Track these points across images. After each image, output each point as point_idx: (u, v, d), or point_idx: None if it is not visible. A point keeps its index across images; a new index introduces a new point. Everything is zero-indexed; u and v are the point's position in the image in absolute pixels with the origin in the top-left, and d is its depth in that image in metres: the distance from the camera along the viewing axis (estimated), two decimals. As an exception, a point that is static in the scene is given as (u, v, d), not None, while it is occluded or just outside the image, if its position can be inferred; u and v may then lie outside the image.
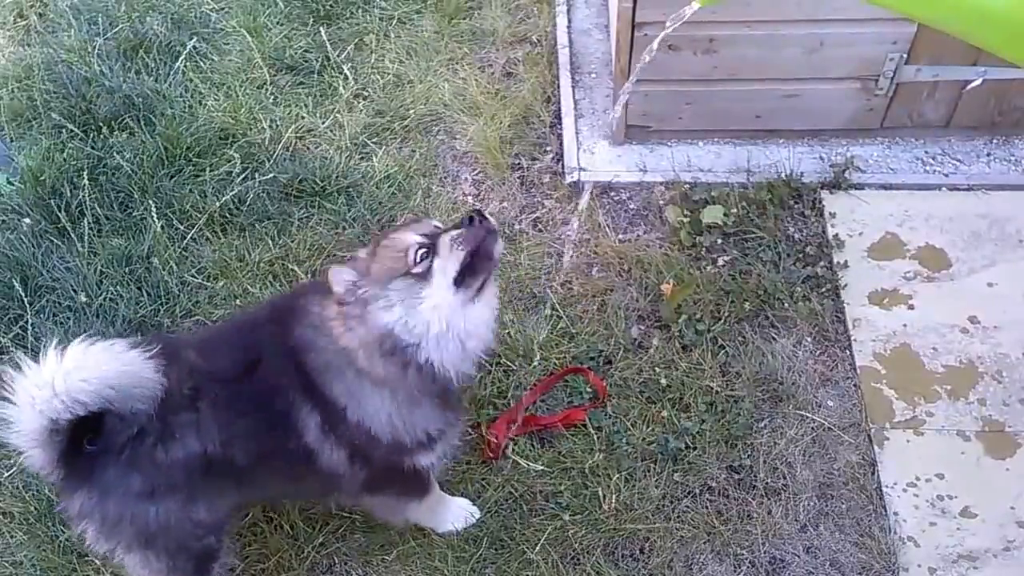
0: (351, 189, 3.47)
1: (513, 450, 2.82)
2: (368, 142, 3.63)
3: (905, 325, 3.07)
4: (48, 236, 3.32)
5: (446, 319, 2.08)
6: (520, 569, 2.63)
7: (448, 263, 2.08)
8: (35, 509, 2.72)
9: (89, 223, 3.32)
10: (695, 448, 2.82)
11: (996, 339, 3.02)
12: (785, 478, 2.77)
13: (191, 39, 3.93)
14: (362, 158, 3.59)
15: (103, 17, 4.04)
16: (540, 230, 3.37)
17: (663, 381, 2.94)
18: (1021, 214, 3.31)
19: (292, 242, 3.31)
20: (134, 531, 2.18)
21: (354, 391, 2.14)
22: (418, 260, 2.07)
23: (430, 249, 2.09)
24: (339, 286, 2.08)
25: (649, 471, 2.78)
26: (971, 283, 3.16)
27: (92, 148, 3.55)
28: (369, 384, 2.14)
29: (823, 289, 3.14)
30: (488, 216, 2.13)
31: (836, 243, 3.26)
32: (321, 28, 3.96)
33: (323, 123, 3.68)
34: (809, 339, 3.04)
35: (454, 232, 2.11)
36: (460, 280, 2.08)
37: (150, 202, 3.37)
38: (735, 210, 3.31)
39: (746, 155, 3.50)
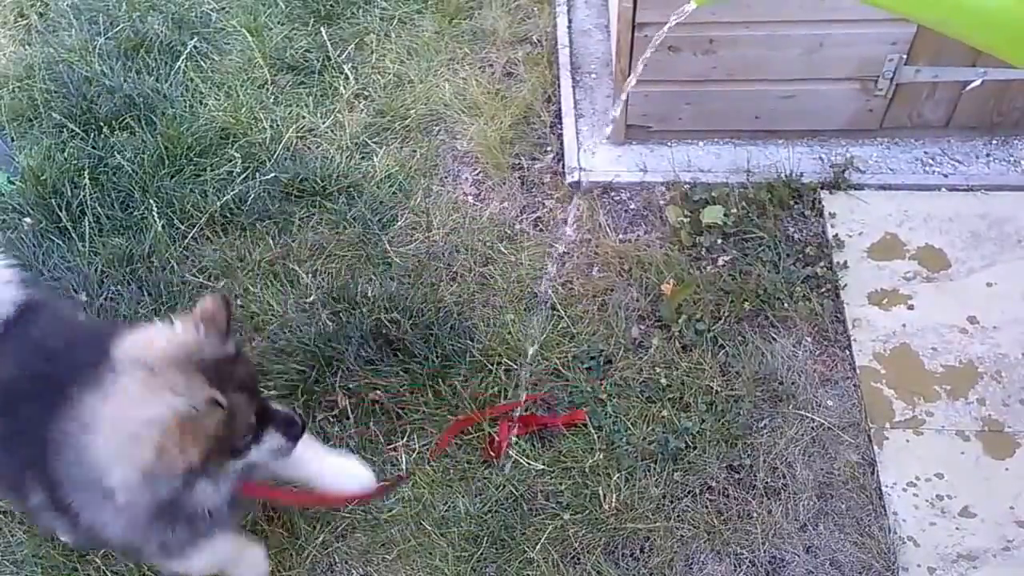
0: (352, 189, 3.47)
1: (514, 450, 2.83)
2: (369, 142, 3.63)
3: (904, 325, 3.07)
4: (49, 235, 3.32)
5: None
6: (520, 568, 2.63)
7: None
8: (36, 508, 2.73)
9: (90, 222, 3.32)
10: (695, 448, 2.83)
11: (995, 339, 3.03)
12: (785, 478, 2.77)
13: (192, 39, 3.93)
14: (363, 158, 3.59)
15: (104, 16, 4.05)
16: (541, 230, 3.38)
17: (663, 381, 2.95)
18: (1020, 214, 3.32)
19: (293, 242, 3.32)
20: None
21: None
22: None
23: None
24: None
25: (649, 471, 2.79)
26: (970, 283, 3.16)
27: (93, 147, 3.55)
28: None
29: (823, 289, 3.15)
30: None
31: (836, 243, 3.26)
32: (322, 28, 3.96)
33: (324, 123, 3.68)
34: (809, 339, 3.05)
35: None
36: None
37: (151, 201, 3.38)
38: (735, 210, 3.32)
39: (746, 155, 3.51)
